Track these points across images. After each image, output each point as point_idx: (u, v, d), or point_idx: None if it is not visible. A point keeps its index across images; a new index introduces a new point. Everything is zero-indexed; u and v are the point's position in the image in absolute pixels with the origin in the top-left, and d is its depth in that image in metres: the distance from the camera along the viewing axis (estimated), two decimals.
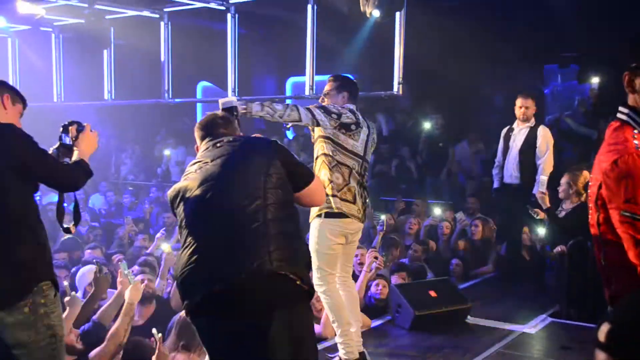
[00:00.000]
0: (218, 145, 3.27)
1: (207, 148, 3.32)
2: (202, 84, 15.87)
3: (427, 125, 11.45)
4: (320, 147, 4.64)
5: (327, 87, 4.83)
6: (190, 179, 3.15)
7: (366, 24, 8.94)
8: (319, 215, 4.62)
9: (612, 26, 9.27)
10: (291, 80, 15.11)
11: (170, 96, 10.00)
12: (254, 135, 3.48)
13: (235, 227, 2.93)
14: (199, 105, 16.18)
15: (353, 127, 4.60)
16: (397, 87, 7.67)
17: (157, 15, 9.74)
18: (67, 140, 3.80)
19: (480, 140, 11.55)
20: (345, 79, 4.86)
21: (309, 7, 8.02)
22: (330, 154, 4.57)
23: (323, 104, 4.72)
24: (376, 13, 6.88)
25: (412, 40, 7.72)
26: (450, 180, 11.33)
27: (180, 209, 3.11)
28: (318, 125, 4.53)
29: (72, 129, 3.82)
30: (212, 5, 9.06)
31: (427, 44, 9.87)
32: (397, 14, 7.16)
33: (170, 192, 3.22)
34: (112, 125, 14.73)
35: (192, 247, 2.94)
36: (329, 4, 7.83)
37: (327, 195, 4.49)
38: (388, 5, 6.90)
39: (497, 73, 12.05)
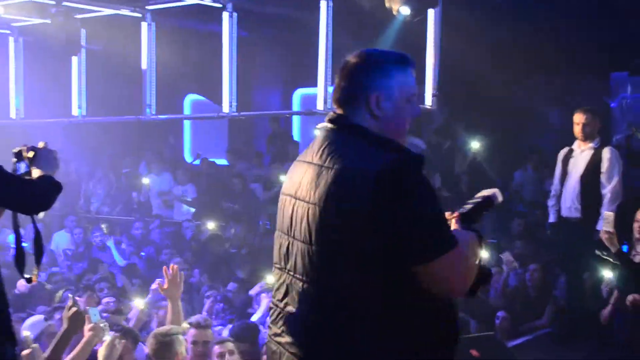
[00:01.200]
0: (310, 161, 2.78)
1: (310, 158, 2.79)
2: (191, 97, 15.95)
3: (467, 147, 11.42)
4: None
5: None
6: (283, 206, 2.89)
7: (392, 24, 8.98)
8: None
9: None
10: (299, 93, 15.18)
11: (154, 112, 10.05)
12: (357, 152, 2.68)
13: (299, 338, 2.74)
14: (186, 123, 16.24)
15: None
16: (430, 101, 7.69)
17: (139, 15, 9.82)
18: (23, 168, 3.73)
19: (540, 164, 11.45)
20: None
21: (323, 3, 8.06)
22: None
23: None
24: (404, 10, 6.93)
25: (448, 44, 7.74)
26: (495, 215, 11.23)
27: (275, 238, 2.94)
28: None
29: (24, 150, 3.76)
30: (206, 1, 9.14)
31: (467, 48, 9.89)
32: (430, 11, 7.20)
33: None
34: (83, 147, 14.76)
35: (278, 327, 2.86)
36: (347, 0, 7.86)
37: None
38: (419, 1, 6.93)
39: (552, 83, 12.06)
